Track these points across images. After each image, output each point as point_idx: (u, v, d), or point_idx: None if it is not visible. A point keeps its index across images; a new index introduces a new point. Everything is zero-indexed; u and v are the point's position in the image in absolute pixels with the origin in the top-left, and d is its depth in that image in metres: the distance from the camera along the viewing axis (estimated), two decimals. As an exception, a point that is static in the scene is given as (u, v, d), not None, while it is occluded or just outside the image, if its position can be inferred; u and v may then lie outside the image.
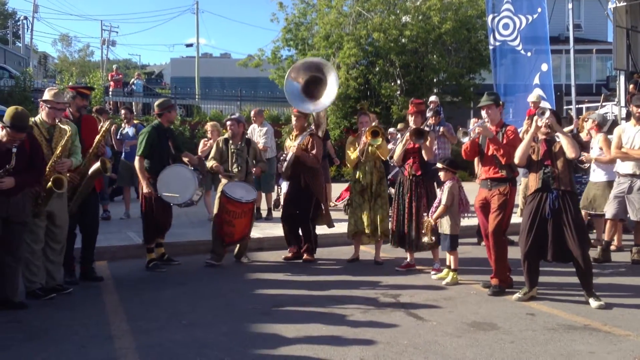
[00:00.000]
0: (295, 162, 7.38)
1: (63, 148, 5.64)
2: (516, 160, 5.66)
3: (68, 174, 5.79)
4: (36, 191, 5.45)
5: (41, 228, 5.60)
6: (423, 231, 6.44)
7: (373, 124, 7.53)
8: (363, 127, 7.25)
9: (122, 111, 11.25)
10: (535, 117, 5.60)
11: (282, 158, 7.66)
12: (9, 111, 5.07)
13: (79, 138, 6.03)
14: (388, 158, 7.15)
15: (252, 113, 10.51)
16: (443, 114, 10.46)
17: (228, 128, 7.46)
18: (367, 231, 7.16)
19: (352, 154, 7.26)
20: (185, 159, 7.19)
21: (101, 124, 6.33)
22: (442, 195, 6.38)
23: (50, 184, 5.43)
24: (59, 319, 5.07)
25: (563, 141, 5.44)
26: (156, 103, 7.28)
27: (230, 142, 7.43)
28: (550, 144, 5.57)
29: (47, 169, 5.54)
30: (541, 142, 5.61)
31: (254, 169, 7.46)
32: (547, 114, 5.52)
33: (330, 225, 7.69)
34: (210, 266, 7.08)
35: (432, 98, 10.83)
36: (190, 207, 7.21)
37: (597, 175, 7.93)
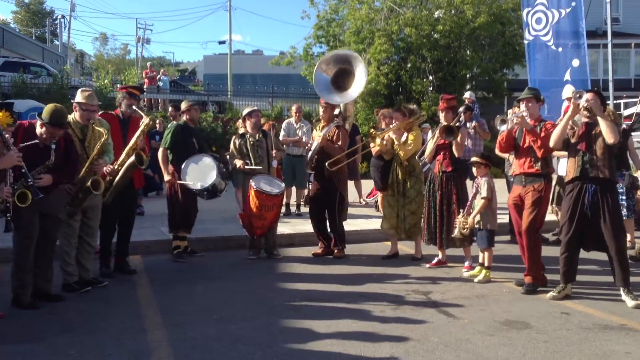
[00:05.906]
0: (320, 152, 7.38)
1: (99, 150, 5.77)
2: (551, 144, 5.51)
3: (107, 167, 5.93)
4: (73, 192, 5.58)
5: (77, 222, 5.75)
6: (464, 230, 6.33)
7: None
8: (394, 121, 7.25)
9: (170, 108, 11.63)
10: (574, 99, 5.43)
11: (307, 147, 7.65)
12: (48, 108, 5.19)
13: (125, 137, 6.26)
14: (417, 156, 7.11)
15: (294, 108, 10.64)
16: (478, 110, 10.32)
17: (252, 119, 7.45)
18: (393, 227, 7.20)
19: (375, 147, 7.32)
20: None
21: (142, 120, 6.43)
22: (479, 189, 6.29)
23: (88, 184, 5.56)
24: (94, 311, 5.18)
25: (602, 125, 5.25)
26: (182, 105, 7.71)
27: (248, 135, 7.45)
28: (590, 127, 5.41)
29: (84, 171, 5.66)
30: (582, 124, 5.48)
31: (274, 152, 7.47)
32: (585, 97, 5.31)
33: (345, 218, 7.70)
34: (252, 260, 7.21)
35: (467, 94, 10.74)
36: (215, 198, 7.22)
37: None
